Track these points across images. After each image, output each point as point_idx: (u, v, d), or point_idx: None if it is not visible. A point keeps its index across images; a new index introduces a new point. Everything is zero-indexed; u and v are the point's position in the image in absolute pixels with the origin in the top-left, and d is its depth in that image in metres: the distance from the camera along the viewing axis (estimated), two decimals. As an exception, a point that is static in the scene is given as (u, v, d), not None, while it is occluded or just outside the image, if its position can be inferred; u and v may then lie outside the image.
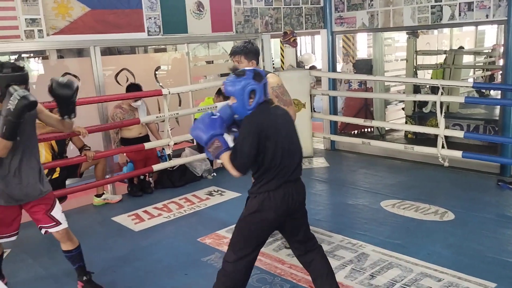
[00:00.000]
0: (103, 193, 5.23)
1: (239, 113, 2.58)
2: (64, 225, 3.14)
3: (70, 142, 4.99)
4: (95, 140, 5.30)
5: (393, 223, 4.31)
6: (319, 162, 6.55)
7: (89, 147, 4.89)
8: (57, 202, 3.18)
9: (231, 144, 2.58)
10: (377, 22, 6.72)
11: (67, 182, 5.09)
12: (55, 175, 4.79)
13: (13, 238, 3.19)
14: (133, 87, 5.36)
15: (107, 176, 5.37)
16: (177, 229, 4.41)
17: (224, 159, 2.53)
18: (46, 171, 4.15)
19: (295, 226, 2.73)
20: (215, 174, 6.04)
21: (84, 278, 3.29)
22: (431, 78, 8.02)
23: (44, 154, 4.67)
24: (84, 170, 5.11)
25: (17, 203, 3.03)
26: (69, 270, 3.65)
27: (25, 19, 4.65)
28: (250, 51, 3.50)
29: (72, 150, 5.07)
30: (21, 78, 2.85)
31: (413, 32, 7.57)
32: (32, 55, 7.58)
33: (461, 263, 3.46)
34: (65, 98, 3.08)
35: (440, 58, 8.29)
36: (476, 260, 3.52)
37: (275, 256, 3.71)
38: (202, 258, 3.73)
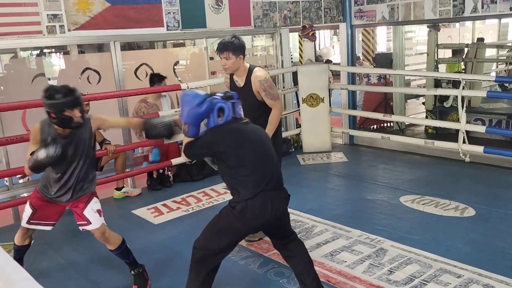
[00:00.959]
0: (123, 186, 5.30)
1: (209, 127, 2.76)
2: (96, 225, 3.17)
3: None
4: (115, 135, 5.37)
5: (413, 218, 4.27)
6: (338, 157, 6.52)
7: (109, 141, 4.96)
8: (92, 201, 3.21)
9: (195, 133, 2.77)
10: (397, 15, 6.64)
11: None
12: None
13: (49, 228, 3.36)
14: (157, 77, 5.41)
15: (127, 170, 5.44)
16: (196, 223, 4.44)
17: (184, 141, 2.80)
18: None
19: (276, 228, 2.86)
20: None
21: (132, 272, 3.34)
22: (446, 71, 7.88)
23: None
24: (105, 164, 5.19)
25: (58, 200, 3.19)
26: (90, 260, 3.74)
27: (47, 14, 4.73)
28: (238, 47, 3.54)
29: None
30: (74, 102, 2.88)
31: (434, 25, 7.45)
32: (53, 50, 7.70)
33: (481, 259, 3.42)
34: (160, 136, 3.29)
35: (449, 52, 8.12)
36: (497, 256, 3.47)
37: (293, 250, 3.71)
38: (220, 252, 3.75)
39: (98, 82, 5.44)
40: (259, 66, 3.80)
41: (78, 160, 3.08)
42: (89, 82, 5.39)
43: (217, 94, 2.78)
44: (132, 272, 3.34)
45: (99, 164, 5.09)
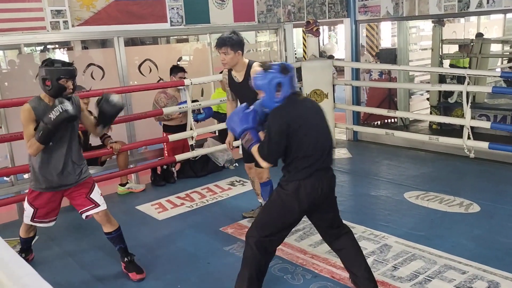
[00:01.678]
0: (127, 182, 5.31)
1: (268, 106, 2.67)
2: (103, 207, 3.33)
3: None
4: (119, 131, 5.37)
5: (417, 214, 4.26)
6: (342, 153, 6.50)
7: (110, 136, 4.92)
8: (96, 185, 3.38)
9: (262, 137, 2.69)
10: (402, 11, 6.60)
11: (91, 171, 5.16)
12: None
13: (51, 224, 3.46)
14: (177, 69, 5.49)
15: (131, 166, 5.45)
16: (200, 219, 4.45)
17: (254, 151, 2.68)
18: None
19: (325, 213, 2.81)
20: (237, 164, 6.06)
21: (126, 259, 3.44)
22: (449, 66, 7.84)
23: None
24: (105, 160, 5.17)
25: (57, 189, 3.26)
26: (94, 256, 3.75)
27: (51, 10, 4.72)
28: (236, 42, 3.58)
29: (92, 139, 5.13)
30: (71, 72, 3.07)
31: (439, 21, 7.40)
32: (57, 46, 7.71)
33: (486, 255, 3.41)
34: (107, 115, 3.30)
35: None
36: (502, 253, 3.46)
37: (297, 246, 3.71)
38: (224, 248, 3.76)
39: (102, 78, 5.44)
40: (257, 61, 3.80)
41: (70, 135, 3.19)
42: (93, 78, 5.38)
43: (273, 66, 2.64)
44: (126, 259, 3.43)
45: (99, 160, 5.08)
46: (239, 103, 3.89)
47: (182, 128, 5.52)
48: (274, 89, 2.59)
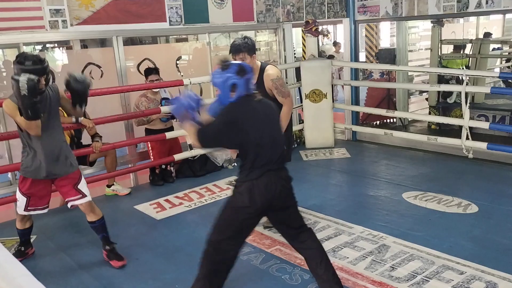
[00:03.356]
0: (113, 184, 5.27)
1: (222, 103, 2.71)
2: (89, 198, 3.50)
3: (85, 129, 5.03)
4: (117, 130, 5.37)
5: (415, 215, 4.26)
6: (340, 153, 6.50)
7: (101, 137, 4.87)
8: (83, 177, 3.54)
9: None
10: (401, 11, 6.60)
11: (85, 172, 5.15)
12: None
13: (45, 211, 3.60)
14: (150, 71, 5.35)
15: (129, 166, 5.45)
16: (198, 218, 4.45)
17: (187, 128, 2.73)
18: None
19: (284, 214, 2.82)
20: (235, 164, 6.06)
21: (107, 247, 3.59)
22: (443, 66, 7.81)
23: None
24: (94, 160, 5.11)
25: (45, 178, 3.38)
26: (93, 256, 3.74)
27: (50, 9, 4.72)
28: (251, 47, 3.66)
29: (86, 137, 5.10)
30: (41, 70, 3.14)
31: (438, 21, 7.41)
32: (56, 45, 7.69)
33: (484, 256, 3.41)
34: (78, 92, 3.39)
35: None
36: (500, 253, 3.46)
37: (295, 246, 3.71)
38: (223, 247, 3.75)
39: (101, 77, 5.44)
40: (271, 63, 3.89)
41: (52, 122, 3.33)
42: (92, 77, 5.37)
43: (231, 66, 2.67)
44: (107, 247, 3.58)
45: (88, 159, 5.05)
46: None
47: (166, 132, 5.43)
48: (228, 89, 2.63)
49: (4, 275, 1.11)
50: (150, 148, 5.52)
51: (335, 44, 12.39)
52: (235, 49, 3.64)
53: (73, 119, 4.53)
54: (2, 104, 3.47)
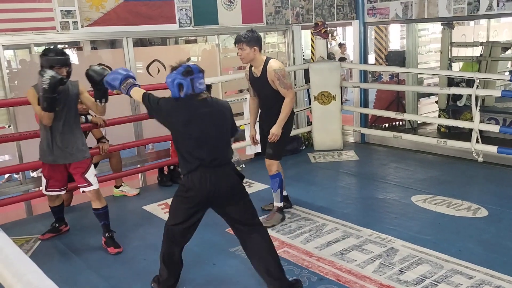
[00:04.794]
0: (121, 185, 5.29)
1: None
2: (95, 186, 3.79)
3: (90, 133, 5.06)
4: (127, 131, 5.39)
5: (424, 218, 4.23)
6: (349, 155, 6.48)
7: (107, 140, 4.92)
8: (92, 166, 3.85)
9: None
10: (411, 13, 6.57)
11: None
12: None
13: (63, 192, 4.00)
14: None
15: (138, 166, 5.47)
16: (206, 219, 4.40)
17: (135, 92, 3.06)
18: None
19: (228, 209, 2.99)
20: (243, 166, 6.04)
21: (107, 234, 3.86)
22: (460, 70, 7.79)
23: None
24: (97, 162, 5.12)
25: (53, 162, 3.73)
26: (102, 255, 3.76)
27: (61, 11, 4.76)
28: (252, 39, 3.86)
29: (89, 141, 5.13)
30: (62, 61, 3.56)
31: (448, 23, 7.36)
32: (66, 46, 7.75)
33: (494, 260, 3.38)
34: (94, 81, 3.55)
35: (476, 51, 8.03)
36: (510, 258, 3.42)
37: (303, 248, 3.71)
38: (230, 249, 3.76)
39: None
40: (274, 58, 4.06)
41: (67, 114, 3.63)
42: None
43: (179, 68, 2.88)
44: (107, 234, 3.86)
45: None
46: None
47: None
48: (176, 88, 2.84)
49: (15, 272, 1.12)
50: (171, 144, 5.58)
51: (340, 45, 12.38)
52: (236, 39, 3.92)
53: (83, 119, 4.57)
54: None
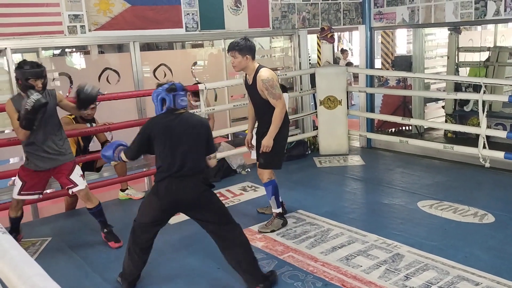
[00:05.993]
0: (127, 188, 5.30)
1: (156, 114, 3.20)
2: (81, 186, 3.87)
3: (95, 137, 5.09)
4: (133, 135, 5.39)
5: (430, 224, 4.21)
6: (355, 160, 6.47)
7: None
8: (77, 168, 3.91)
9: None
10: (417, 18, 6.56)
11: (92, 177, 5.23)
12: None
13: (36, 197, 3.97)
14: None
15: (144, 169, 5.48)
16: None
17: (122, 155, 3.31)
18: None
19: (199, 213, 3.17)
20: (249, 170, 6.06)
21: (105, 230, 4.01)
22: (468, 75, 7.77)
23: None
24: (100, 166, 5.15)
25: (44, 169, 3.79)
26: (106, 259, 3.77)
27: (68, 15, 4.80)
28: (244, 47, 3.87)
29: (92, 145, 5.17)
30: (37, 73, 3.58)
31: (455, 28, 7.35)
32: (74, 50, 7.81)
33: (500, 267, 3.35)
34: (84, 102, 3.83)
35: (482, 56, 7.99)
36: (517, 265, 3.40)
37: (308, 253, 3.69)
38: (235, 253, 3.75)
39: (117, 82, 5.50)
40: (266, 67, 4.05)
41: (48, 122, 3.69)
42: (108, 82, 5.44)
43: (164, 85, 3.13)
44: (105, 229, 4.00)
45: (95, 165, 5.08)
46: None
47: None
48: (159, 103, 3.11)
49: (20, 274, 1.13)
50: None
51: (343, 51, 12.36)
52: (229, 46, 3.93)
53: (88, 124, 4.64)
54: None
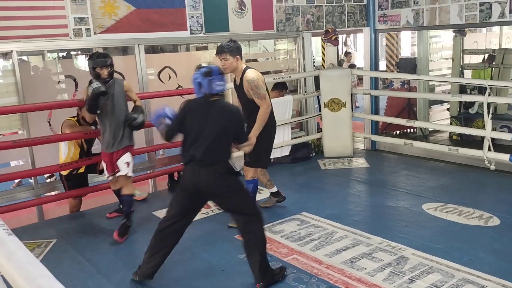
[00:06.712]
0: None
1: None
2: (123, 173, 4.29)
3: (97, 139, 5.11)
4: (138, 137, 5.41)
5: (435, 226, 4.20)
6: (359, 163, 6.46)
7: None
8: (127, 154, 4.28)
9: None
10: (422, 20, 6.56)
11: (95, 179, 5.25)
12: (81, 170, 4.92)
13: (110, 178, 4.48)
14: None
15: (149, 171, 5.50)
16: (215, 226, 4.46)
17: (161, 131, 3.34)
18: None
19: (220, 204, 3.39)
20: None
21: (124, 220, 4.21)
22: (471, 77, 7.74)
23: (73, 150, 4.83)
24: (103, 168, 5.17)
25: (110, 150, 4.25)
26: (111, 260, 3.78)
27: (74, 18, 4.83)
28: (234, 49, 4.02)
29: (95, 148, 5.18)
30: (102, 63, 4.06)
31: (460, 31, 7.33)
32: (79, 52, 7.85)
33: (506, 270, 3.33)
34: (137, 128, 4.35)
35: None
36: (523, 268, 3.38)
37: (312, 255, 3.69)
38: (239, 255, 3.75)
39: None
40: (253, 68, 4.20)
41: (113, 109, 4.14)
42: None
43: (201, 69, 3.20)
44: (125, 220, 4.20)
45: (98, 167, 5.10)
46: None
47: None
48: (197, 86, 3.19)
49: (26, 276, 1.14)
50: None
51: (346, 54, 12.35)
52: (218, 49, 4.05)
53: (93, 127, 4.69)
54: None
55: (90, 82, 3.99)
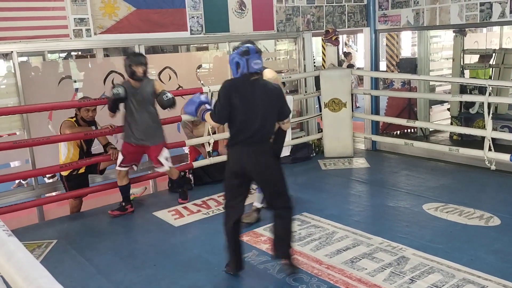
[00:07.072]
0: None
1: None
2: (166, 167, 4.70)
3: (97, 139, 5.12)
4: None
5: (436, 227, 4.19)
6: (359, 163, 6.46)
7: (114, 146, 4.97)
8: (165, 150, 4.66)
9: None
10: (422, 20, 6.56)
11: (96, 179, 5.30)
12: (81, 170, 4.93)
13: (135, 168, 4.86)
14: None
15: (149, 172, 5.50)
16: (216, 226, 4.44)
17: (207, 116, 3.32)
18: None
19: (262, 186, 3.38)
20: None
21: (179, 190, 5.08)
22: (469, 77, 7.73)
23: (73, 151, 4.83)
24: (104, 168, 5.17)
25: (140, 143, 4.53)
26: (112, 261, 3.79)
27: (74, 18, 4.83)
28: None
29: (95, 148, 5.20)
30: (137, 61, 4.36)
31: (460, 31, 7.33)
32: (79, 53, 7.86)
33: (506, 270, 3.33)
34: (164, 107, 4.60)
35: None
36: (523, 268, 3.38)
37: (312, 256, 3.69)
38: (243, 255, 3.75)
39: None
40: (270, 68, 4.18)
41: (144, 106, 4.47)
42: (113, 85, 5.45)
43: (239, 49, 3.19)
44: (180, 190, 5.07)
45: (98, 167, 5.10)
46: None
47: None
48: (234, 66, 3.19)
49: (26, 276, 1.14)
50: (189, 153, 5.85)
51: (346, 55, 12.33)
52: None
53: (93, 127, 4.72)
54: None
55: (113, 85, 4.37)
